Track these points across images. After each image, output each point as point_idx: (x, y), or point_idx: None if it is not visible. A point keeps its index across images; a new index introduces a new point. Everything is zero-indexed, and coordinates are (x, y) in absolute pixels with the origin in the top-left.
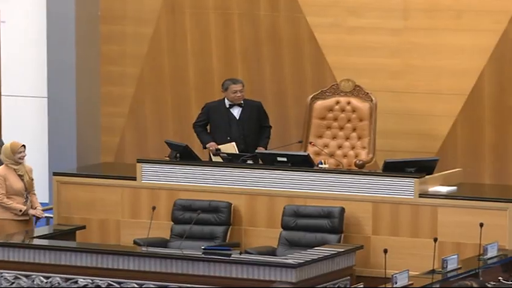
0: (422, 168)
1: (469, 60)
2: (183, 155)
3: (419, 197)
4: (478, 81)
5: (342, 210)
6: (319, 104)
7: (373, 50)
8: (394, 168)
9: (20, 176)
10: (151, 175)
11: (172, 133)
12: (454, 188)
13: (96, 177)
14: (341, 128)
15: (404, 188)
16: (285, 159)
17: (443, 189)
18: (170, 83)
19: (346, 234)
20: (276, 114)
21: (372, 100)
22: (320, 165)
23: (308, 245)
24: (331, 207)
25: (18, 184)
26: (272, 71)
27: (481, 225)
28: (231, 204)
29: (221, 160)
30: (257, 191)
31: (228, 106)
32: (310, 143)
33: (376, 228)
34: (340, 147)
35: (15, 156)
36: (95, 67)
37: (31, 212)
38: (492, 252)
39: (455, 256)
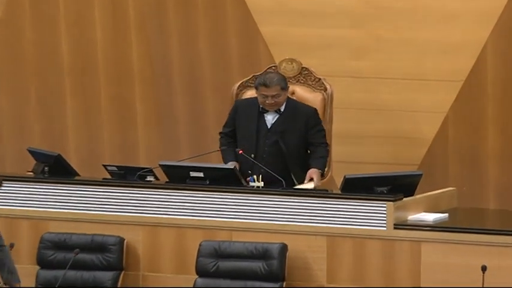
0: (399, 187)
1: (464, 32)
2: (53, 169)
3: (395, 228)
4: (477, 62)
5: (284, 247)
6: (250, 94)
7: (327, 17)
8: (358, 187)
9: None
10: (8, 198)
11: (39, 137)
12: (445, 215)
13: None
14: None
15: (373, 215)
16: (201, 174)
17: (429, 217)
18: (34, 66)
19: (289, 282)
20: (188, 108)
21: (325, 89)
22: (251, 183)
23: None
24: (267, 244)
25: None
26: (182, 46)
27: (484, 268)
28: (124, 239)
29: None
30: (161, 221)
31: (260, 109)
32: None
33: (333, 274)
34: None
35: None
36: None
37: None
38: None
39: None
